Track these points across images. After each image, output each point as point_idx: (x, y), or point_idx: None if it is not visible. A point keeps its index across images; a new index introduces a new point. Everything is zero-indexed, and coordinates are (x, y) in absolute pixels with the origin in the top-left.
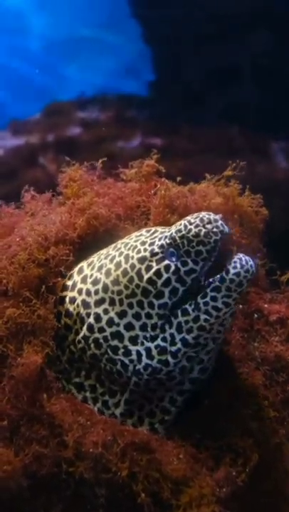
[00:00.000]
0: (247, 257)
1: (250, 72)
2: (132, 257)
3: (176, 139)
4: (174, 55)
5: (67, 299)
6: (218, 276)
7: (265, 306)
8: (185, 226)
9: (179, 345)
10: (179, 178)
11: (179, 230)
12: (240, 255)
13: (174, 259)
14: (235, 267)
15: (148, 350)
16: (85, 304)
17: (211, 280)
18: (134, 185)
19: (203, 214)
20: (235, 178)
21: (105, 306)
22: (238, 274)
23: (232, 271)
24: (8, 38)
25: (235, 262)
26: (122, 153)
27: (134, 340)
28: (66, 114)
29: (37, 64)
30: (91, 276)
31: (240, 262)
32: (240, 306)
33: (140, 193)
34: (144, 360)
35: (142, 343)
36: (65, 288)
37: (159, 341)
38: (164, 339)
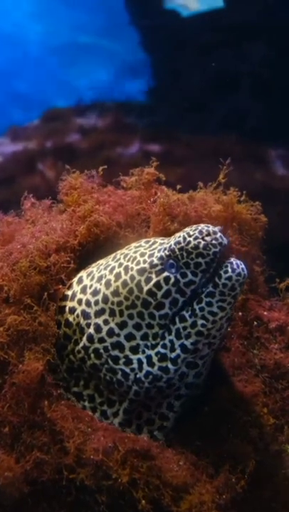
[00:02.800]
0: (238, 261)
1: (249, 80)
2: (132, 269)
3: (175, 146)
4: (173, 62)
5: (66, 309)
6: (211, 281)
7: (265, 313)
8: (184, 238)
9: (178, 351)
10: (179, 186)
11: (178, 242)
12: (231, 259)
13: (173, 270)
14: (226, 272)
15: (149, 357)
16: (85, 315)
17: (204, 288)
18: (135, 192)
19: (202, 226)
20: (233, 185)
21: (105, 316)
22: (230, 278)
23: (224, 275)
24: (7, 45)
25: (226, 267)
26: (120, 160)
27: (135, 350)
28: (65, 121)
29: (36, 70)
30: (90, 286)
31: (232, 266)
32: (240, 313)
33: (140, 200)
34: (145, 367)
35: (143, 352)
36: (64, 298)
37: (159, 348)
38: (164, 346)
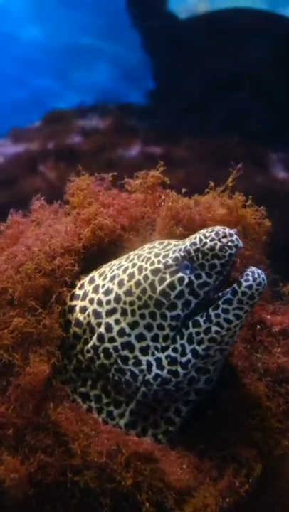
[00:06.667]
0: (259, 270)
1: (250, 82)
2: (146, 269)
3: (176, 148)
4: (174, 64)
5: (77, 308)
6: (230, 288)
7: (268, 317)
8: (200, 239)
9: (189, 356)
10: (184, 190)
11: (194, 243)
12: (253, 268)
13: (187, 271)
14: (247, 280)
15: (158, 360)
16: (96, 314)
17: (220, 294)
18: (139, 196)
19: (219, 228)
20: (233, 189)
21: (117, 316)
22: (250, 286)
23: (244, 283)
24: (8, 47)
25: (247, 275)
26: (121, 162)
27: (144, 351)
28: (66, 122)
29: (38, 72)
30: (103, 286)
31: (253, 274)
32: None
33: (145, 204)
34: (154, 370)
35: (153, 354)
36: (75, 297)
37: (169, 352)
38: (174, 350)
